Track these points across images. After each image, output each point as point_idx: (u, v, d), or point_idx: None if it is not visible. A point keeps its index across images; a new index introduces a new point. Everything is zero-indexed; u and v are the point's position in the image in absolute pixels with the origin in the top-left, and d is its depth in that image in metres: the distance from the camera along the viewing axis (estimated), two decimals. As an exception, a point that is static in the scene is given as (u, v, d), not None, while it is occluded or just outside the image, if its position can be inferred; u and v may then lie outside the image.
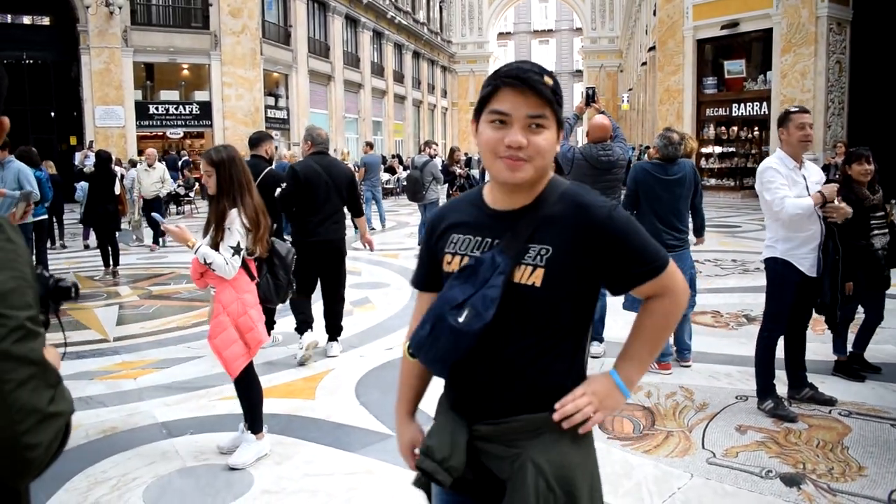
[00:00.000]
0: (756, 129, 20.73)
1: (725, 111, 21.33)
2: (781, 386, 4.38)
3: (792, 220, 4.05)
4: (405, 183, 12.42)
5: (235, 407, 3.78)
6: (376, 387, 4.81)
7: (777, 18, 19.02)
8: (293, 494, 3.33)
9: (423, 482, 1.64)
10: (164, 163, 13.60)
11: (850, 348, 4.99)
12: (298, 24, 26.60)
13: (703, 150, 21.40)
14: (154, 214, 5.89)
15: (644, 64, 28.39)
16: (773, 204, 4.05)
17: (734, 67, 21.15)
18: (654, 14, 23.55)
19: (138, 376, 5.13)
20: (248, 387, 3.63)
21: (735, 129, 21.21)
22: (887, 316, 5.49)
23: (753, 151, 20.99)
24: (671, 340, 5.16)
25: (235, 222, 3.40)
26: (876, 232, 4.80)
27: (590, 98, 5.81)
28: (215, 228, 3.43)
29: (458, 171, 9.34)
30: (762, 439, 3.88)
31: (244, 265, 3.50)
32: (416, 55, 40.73)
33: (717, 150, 21.62)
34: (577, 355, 1.54)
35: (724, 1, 20.39)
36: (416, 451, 1.59)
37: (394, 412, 1.75)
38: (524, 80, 1.42)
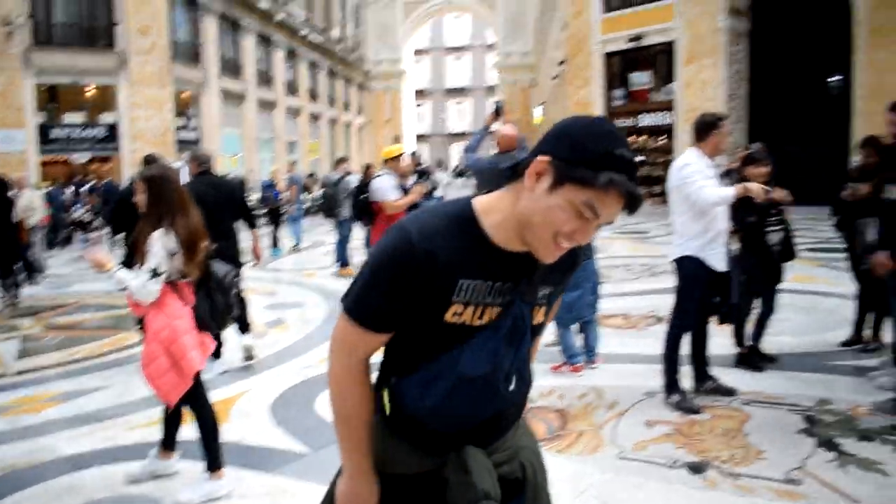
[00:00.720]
0: (662, 137, 21.50)
1: (633, 121, 22.07)
2: (686, 380, 4.56)
3: (712, 208, 4.22)
4: (321, 201, 12.36)
5: (146, 436, 3.68)
6: (293, 406, 4.76)
7: (679, 31, 19.82)
8: (205, 516, 3.27)
9: None
10: (38, 189, 12.91)
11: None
12: (209, 42, 26.12)
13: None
14: (81, 238, 5.73)
15: (555, 77, 29.06)
16: (696, 193, 4.18)
17: (639, 79, 21.93)
18: (564, 29, 24.16)
19: (41, 410, 4.92)
20: (197, 416, 3.46)
21: (642, 138, 21.98)
22: (784, 309, 5.79)
23: (660, 160, 21.76)
24: (580, 343, 5.31)
25: (156, 244, 3.23)
26: (771, 229, 5.08)
27: (498, 111, 5.95)
28: (137, 250, 3.29)
29: (418, 188, 8.50)
30: (669, 432, 4.03)
31: (176, 289, 3.34)
32: (331, 73, 40.55)
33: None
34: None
35: (629, 15, 21.14)
36: (471, 495, 1.38)
37: (345, 464, 1.49)
38: (636, 207, 1.29)
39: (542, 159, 1.28)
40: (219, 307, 3.45)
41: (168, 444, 3.63)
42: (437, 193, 12.27)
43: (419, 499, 1.46)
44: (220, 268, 3.53)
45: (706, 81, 19.30)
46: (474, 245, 1.34)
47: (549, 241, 1.29)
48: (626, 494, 3.33)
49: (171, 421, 3.58)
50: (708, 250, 4.31)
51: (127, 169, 21.63)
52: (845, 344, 5.63)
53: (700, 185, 4.17)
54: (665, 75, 21.21)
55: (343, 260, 10.64)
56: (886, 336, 5.16)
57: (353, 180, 10.41)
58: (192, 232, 3.32)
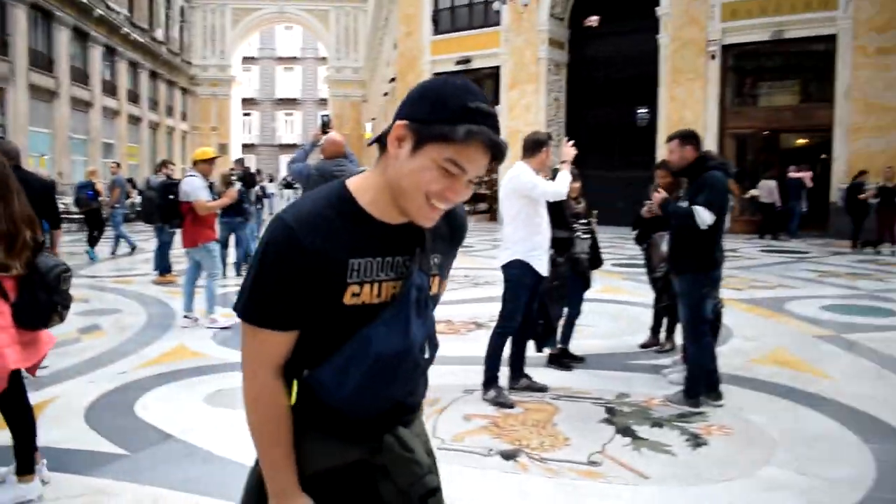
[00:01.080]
0: (487, 157, 22.47)
1: (461, 141, 22.90)
2: (503, 378, 4.87)
3: (553, 198, 4.71)
4: (139, 207, 11.85)
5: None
6: (108, 411, 4.57)
7: (504, 58, 20.87)
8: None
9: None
10: None
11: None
12: (17, 33, 24.14)
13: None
14: None
15: (386, 94, 29.52)
16: (543, 187, 4.60)
17: (468, 100, 22.81)
18: (395, 47, 24.65)
19: None
20: (12, 418, 3.21)
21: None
22: (593, 316, 6.31)
23: (485, 179, 22.69)
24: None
25: None
26: (580, 237, 5.55)
27: (325, 126, 6.06)
28: None
29: (231, 192, 8.38)
30: (485, 424, 4.29)
31: None
32: (153, 75, 38.68)
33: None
34: None
35: (459, 39, 21.98)
36: (418, 471, 1.38)
37: (273, 488, 1.36)
38: (501, 154, 1.28)
39: (400, 123, 1.26)
40: (41, 304, 3.16)
41: (25, 462, 3.31)
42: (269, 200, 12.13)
43: (348, 493, 1.40)
44: (45, 262, 3.20)
45: (527, 106, 20.44)
46: (356, 224, 1.31)
47: (423, 204, 1.27)
48: (449, 482, 3.51)
49: (25, 437, 3.29)
50: (533, 255, 4.66)
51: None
52: (643, 346, 6.23)
53: (542, 182, 4.57)
54: (492, 97, 22.21)
55: (162, 267, 10.23)
56: (678, 339, 5.76)
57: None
58: (15, 222, 3.07)
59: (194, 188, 7.09)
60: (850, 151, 15.89)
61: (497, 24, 20.93)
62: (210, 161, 7.47)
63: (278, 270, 1.27)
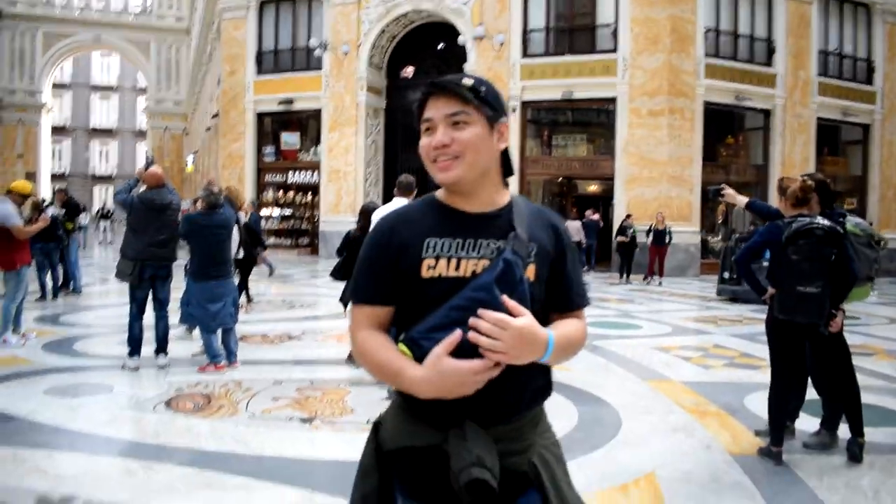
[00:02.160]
0: (309, 194, 23.47)
1: (283, 177, 23.72)
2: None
3: None
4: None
5: None
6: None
7: (325, 101, 22.01)
8: None
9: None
10: None
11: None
12: None
13: (264, 211, 23.43)
14: None
15: (209, 129, 29.69)
16: None
17: (290, 139, 23.73)
18: (219, 84, 25.10)
19: None
20: None
21: (291, 193, 23.76)
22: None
23: (307, 214, 23.68)
24: (220, 346, 6.40)
25: None
26: None
27: (149, 164, 6.76)
28: None
29: (45, 217, 8.84)
30: (290, 403, 5.33)
31: None
32: (-49, 97, 36.22)
33: (277, 212, 23.85)
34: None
35: (282, 81, 22.84)
36: (468, 459, 1.44)
37: (406, 382, 1.47)
38: (440, 85, 1.55)
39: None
40: None
41: None
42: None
43: (425, 472, 1.53)
44: None
45: (347, 148, 21.67)
46: (437, 212, 1.59)
47: (431, 164, 1.58)
48: (256, 437, 4.52)
49: None
50: None
51: None
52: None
53: None
54: (314, 137, 23.24)
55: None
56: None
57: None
58: None
59: (8, 213, 7.53)
60: (628, 198, 18.39)
61: (319, 68, 22.06)
62: (26, 196, 8.03)
63: (371, 257, 1.62)
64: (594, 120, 20.53)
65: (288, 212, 24.15)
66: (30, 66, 43.64)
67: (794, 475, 4.05)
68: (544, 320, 1.55)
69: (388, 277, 1.57)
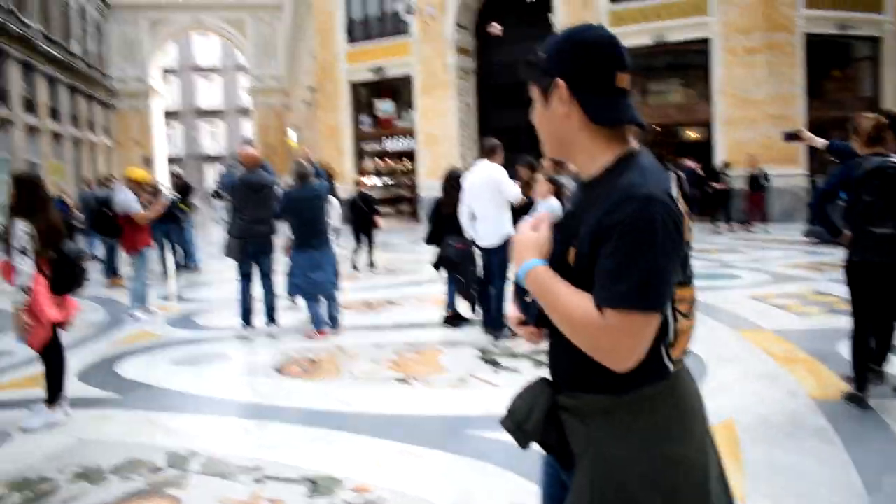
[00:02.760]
0: (406, 160, 23.93)
1: (380, 145, 24.29)
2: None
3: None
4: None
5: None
6: (96, 373, 5.82)
7: (415, 66, 22.31)
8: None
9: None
10: None
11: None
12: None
13: (365, 179, 24.14)
14: None
15: (308, 103, 30.62)
16: (514, 188, 6.45)
17: (385, 107, 24.18)
18: (314, 57, 25.82)
19: None
20: (48, 359, 4.58)
21: (389, 160, 24.33)
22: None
23: (407, 181, 24.19)
24: (323, 314, 6.88)
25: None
26: None
27: (247, 142, 7.31)
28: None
29: (161, 203, 9.98)
30: (390, 365, 5.73)
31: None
32: (73, 90, 38.72)
33: (377, 180, 24.48)
34: None
35: (373, 49, 23.30)
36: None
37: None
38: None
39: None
40: (66, 277, 4.55)
41: (52, 396, 4.60)
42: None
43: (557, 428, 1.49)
44: (69, 248, 4.63)
45: (440, 112, 21.94)
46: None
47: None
48: (357, 397, 4.94)
49: (54, 374, 4.61)
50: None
51: None
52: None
53: (513, 184, 6.44)
54: (408, 103, 23.62)
55: (112, 270, 11.36)
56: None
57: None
58: (48, 223, 4.48)
59: (128, 201, 8.28)
60: (728, 142, 17.88)
61: (407, 33, 22.35)
62: (140, 183, 8.76)
63: (671, 244, 1.32)
64: (689, 63, 19.92)
65: (388, 179, 24.76)
66: (138, 53, 46.05)
67: (879, 419, 4.11)
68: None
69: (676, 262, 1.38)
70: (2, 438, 4.36)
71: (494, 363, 5.66)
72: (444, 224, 7.02)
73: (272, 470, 3.67)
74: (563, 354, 1.46)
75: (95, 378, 5.71)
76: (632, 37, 18.86)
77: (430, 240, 7.33)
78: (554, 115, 1.45)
